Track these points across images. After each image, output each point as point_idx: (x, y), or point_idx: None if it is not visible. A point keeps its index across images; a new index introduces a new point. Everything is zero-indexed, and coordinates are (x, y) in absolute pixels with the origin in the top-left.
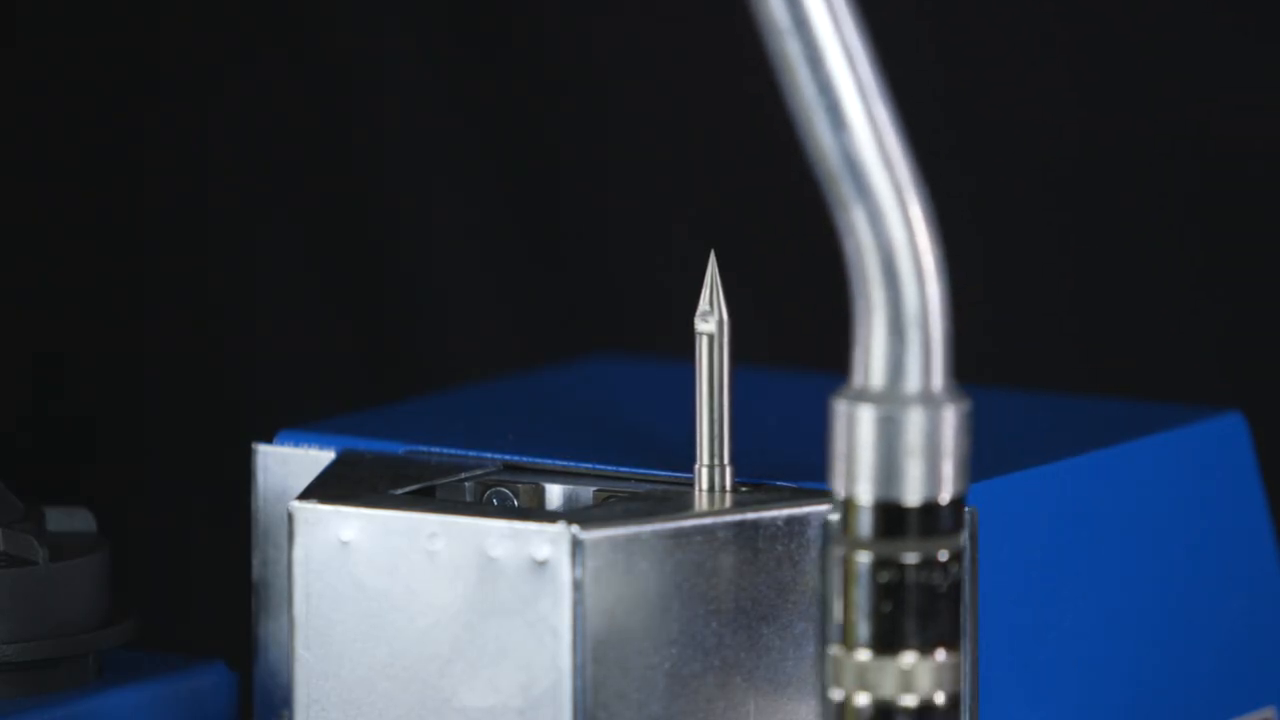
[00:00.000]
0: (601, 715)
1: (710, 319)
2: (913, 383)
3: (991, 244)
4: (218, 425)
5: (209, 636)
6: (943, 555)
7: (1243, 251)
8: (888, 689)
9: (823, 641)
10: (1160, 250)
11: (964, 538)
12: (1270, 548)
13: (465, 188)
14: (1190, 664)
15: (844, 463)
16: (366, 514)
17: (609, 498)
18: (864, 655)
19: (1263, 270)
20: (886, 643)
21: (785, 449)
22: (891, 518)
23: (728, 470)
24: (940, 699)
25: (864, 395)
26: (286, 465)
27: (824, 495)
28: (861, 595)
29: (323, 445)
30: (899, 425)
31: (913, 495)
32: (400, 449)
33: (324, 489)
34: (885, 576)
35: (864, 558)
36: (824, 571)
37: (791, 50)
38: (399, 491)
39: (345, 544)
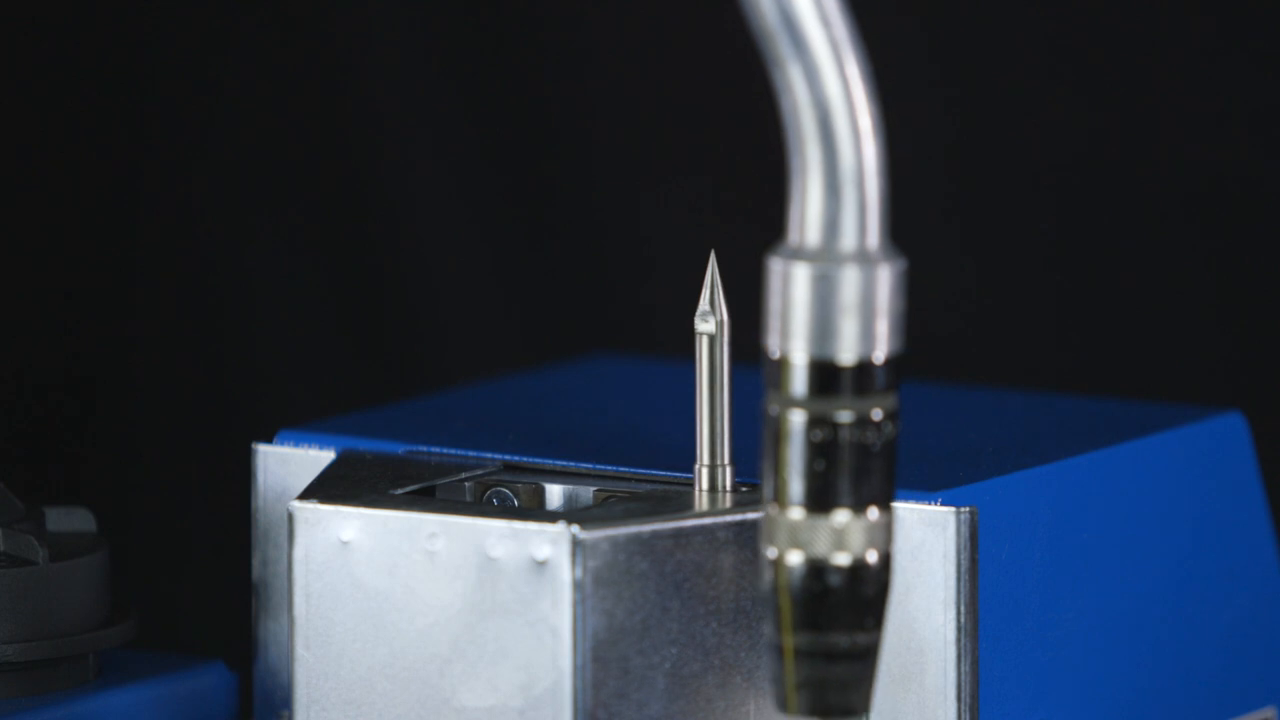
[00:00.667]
0: (601, 715)
1: (710, 319)
2: (848, 241)
3: (991, 243)
4: (218, 425)
5: (209, 636)
6: (876, 414)
7: (1243, 251)
8: (820, 547)
9: None
10: (1160, 250)
11: (898, 398)
12: (1270, 548)
13: (466, 188)
14: (1190, 664)
15: (779, 320)
16: (366, 514)
17: (609, 498)
18: (797, 514)
19: (1263, 270)
20: (819, 501)
21: None
22: (826, 376)
23: (728, 470)
24: (873, 558)
25: (799, 253)
26: (286, 465)
27: None
28: (795, 454)
29: (323, 445)
30: (834, 283)
31: (847, 354)
32: (400, 449)
33: (324, 489)
34: (819, 435)
35: (797, 416)
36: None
37: None
38: (399, 491)
39: (345, 544)
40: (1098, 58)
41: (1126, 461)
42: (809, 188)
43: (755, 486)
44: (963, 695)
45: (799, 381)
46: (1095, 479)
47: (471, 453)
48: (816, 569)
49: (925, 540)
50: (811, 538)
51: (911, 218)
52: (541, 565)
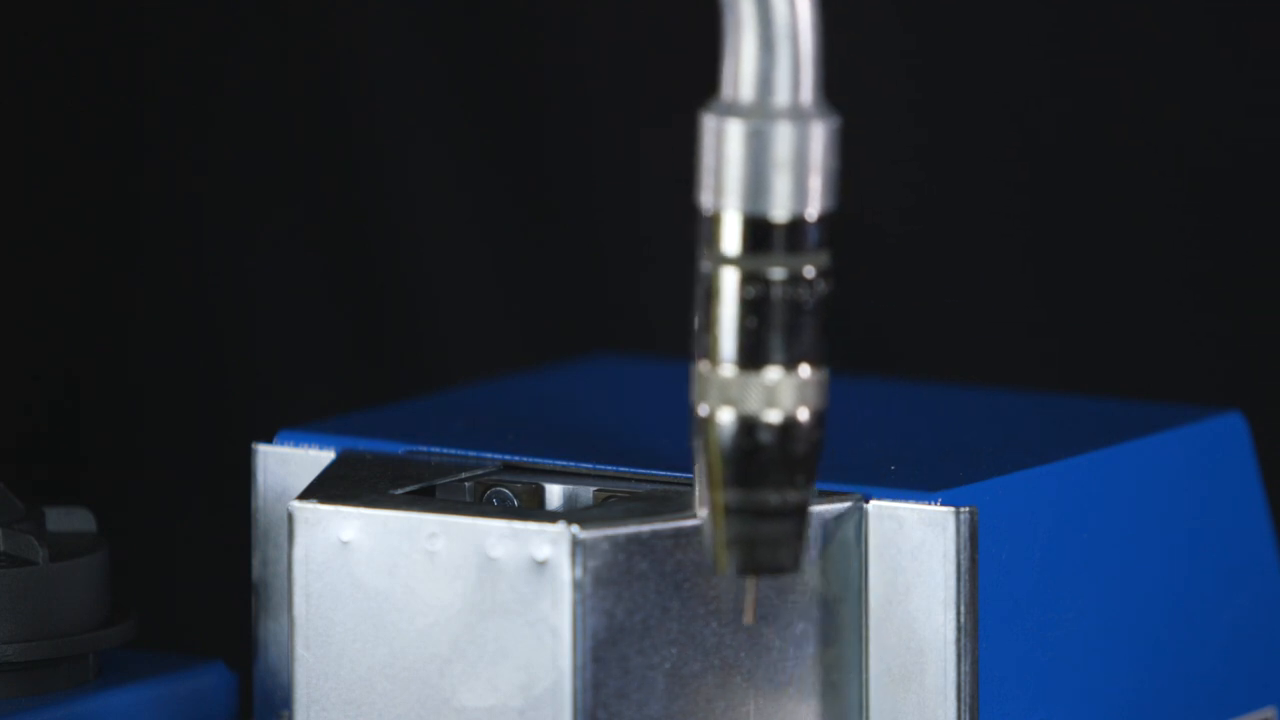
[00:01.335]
0: (601, 715)
1: None
2: (781, 97)
3: (991, 243)
4: (218, 425)
5: (209, 636)
6: (809, 271)
7: (1243, 251)
8: (752, 404)
9: (823, 642)
10: (1160, 250)
11: (829, 256)
12: (1270, 548)
13: (466, 188)
14: (1190, 664)
15: (711, 177)
16: (366, 514)
17: (609, 498)
18: (728, 371)
19: (1263, 270)
20: (751, 358)
21: None
22: (758, 233)
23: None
24: (804, 415)
25: (732, 109)
26: (286, 465)
27: (824, 495)
28: (727, 311)
29: (323, 445)
30: (767, 139)
31: (780, 210)
32: (400, 449)
33: (324, 489)
34: (751, 292)
35: (730, 273)
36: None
37: None
38: (399, 491)
39: (345, 544)
40: (1098, 56)
41: (1126, 461)
42: (742, 43)
43: None
44: (963, 695)
45: (731, 238)
46: (1095, 479)
47: (471, 453)
48: (747, 426)
49: (925, 540)
50: (743, 395)
51: (912, 217)
52: (541, 565)
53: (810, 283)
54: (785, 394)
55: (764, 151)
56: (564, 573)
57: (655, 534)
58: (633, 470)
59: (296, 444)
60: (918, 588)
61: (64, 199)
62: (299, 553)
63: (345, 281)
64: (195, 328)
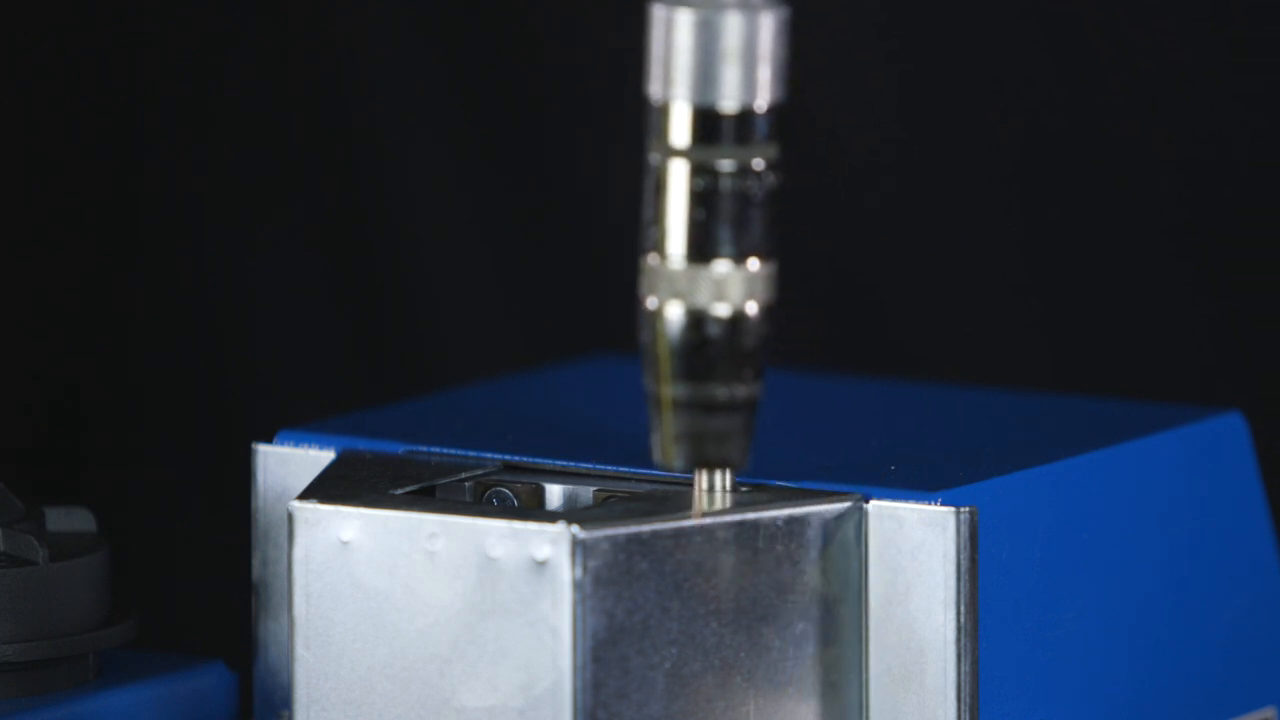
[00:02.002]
0: (601, 715)
1: None
2: None
3: (991, 243)
4: (217, 425)
5: (209, 636)
6: (758, 164)
7: (1243, 251)
8: (700, 298)
9: (823, 642)
10: (1160, 250)
11: (779, 148)
12: (1270, 548)
13: (466, 188)
14: (1190, 664)
15: (660, 67)
16: (366, 514)
17: (609, 498)
18: (677, 264)
19: (1263, 270)
20: (699, 251)
21: (785, 449)
22: (707, 124)
23: (728, 470)
24: (752, 309)
25: None
26: (286, 465)
27: (824, 495)
28: (675, 203)
29: (323, 445)
30: (716, 29)
31: (729, 101)
32: (400, 449)
33: (324, 489)
34: (700, 184)
35: (679, 165)
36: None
37: None
38: (399, 491)
39: (345, 544)
40: (1097, 55)
41: (1126, 461)
42: None
43: (755, 486)
44: (963, 695)
45: (680, 130)
46: (1095, 479)
47: (471, 453)
48: (696, 319)
49: (925, 540)
50: (692, 288)
51: (911, 217)
52: (541, 565)
53: (759, 175)
54: (734, 287)
55: (713, 42)
56: (564, 573)
57: (655, 534)
58: (633, 470)
59: (296, 444)
60: (918, 588)
61: (64, 199)
62: (299, 553)
63: (345, 281)
64: (195, 328)
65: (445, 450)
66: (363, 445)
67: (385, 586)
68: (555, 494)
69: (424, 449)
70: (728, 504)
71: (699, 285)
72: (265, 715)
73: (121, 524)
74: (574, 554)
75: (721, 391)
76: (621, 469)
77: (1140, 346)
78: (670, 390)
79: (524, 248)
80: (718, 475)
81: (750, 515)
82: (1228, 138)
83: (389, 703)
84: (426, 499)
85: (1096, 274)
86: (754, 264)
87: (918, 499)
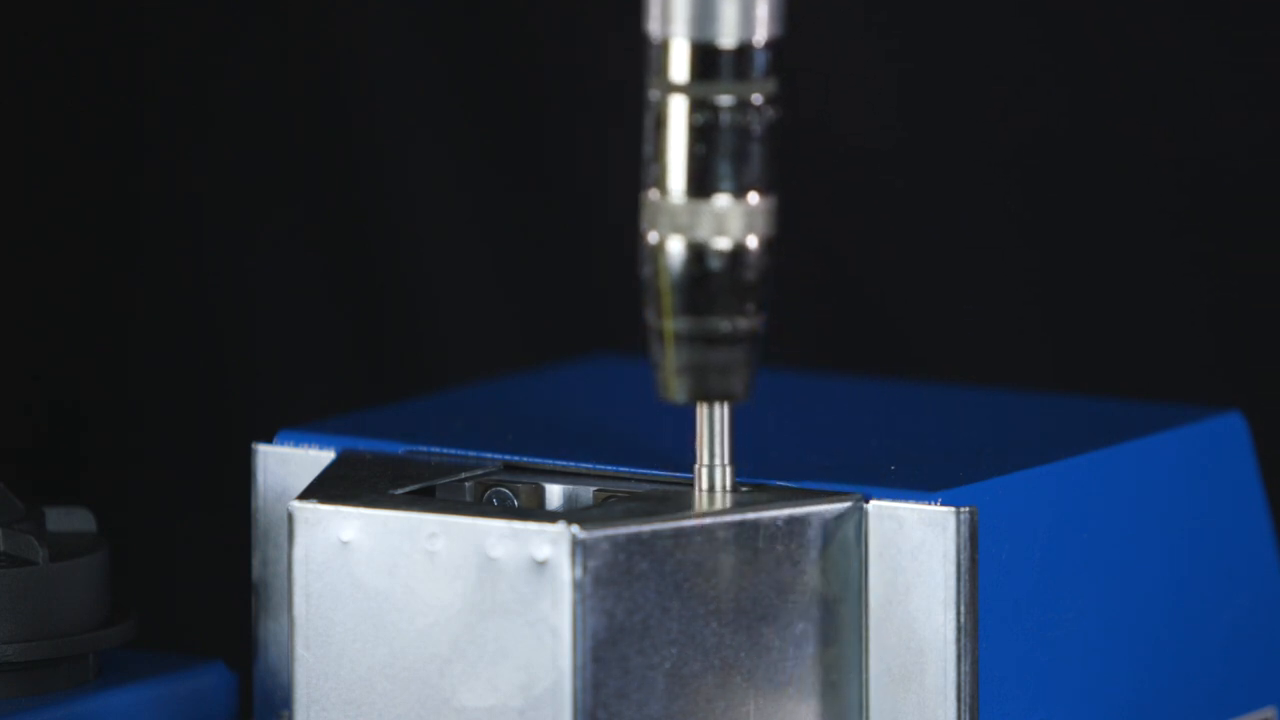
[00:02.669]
0: (601, 715)
1: None
2: None
3: (991, 243)
4: (217, 425)
5: (209, 636)
6: (756, 98)
7: (1243, 250)
8: (701, 231)
9: (823, 642)
10: (1160, 249)
11: (777, 82)
12: (1270, 548)
13: (466, 188)
14: (1190, 664)
15: (659, 5)
16: (366, 514)
17: (609, 498)
18: (678, 199)
19: (1263, 269)
20: (700, 186)
21: (785, 449)
22: (706, 60)
23: (728, 470)
24: (753, 242)
25: None
26: (286, 465)
27: (824, 495)
28: (675, 138)
29: (323, 445)
30: None
31: (727, 37)
32: (400, 449)
33: (324, 489)
34: (699, 119)
35: (678, 100)
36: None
37: None
38: (399, 491)
39: (345, 544)
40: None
41: (1126, 461)
42: None
43: (755, 486)
44: (963, 695)
45: (679, 66)
46: (1095, 479)
47: (471, 453)
48: (697, 253)
49: (925, 540)
50: (692, 222)
51: (911, 216)
52: (541, 565)
53: (758, 109)
54: (734, 221)
55: None
56: (564, 573)
57: (655, 534)
58: (633, 470)
59: (296, 444)
60: (918, 588)
61: (64, 199)
62: (299, 553)
63: (345, 281)
64: (195, 328)
65: (445, 450)
66: (363, 445)
67: (385, 586)
68: (555, 494)
69: (424, 449)
70: (728, 504)
71: (700, 219)
72: (265, 715)
73: (121, 524)
74: (574, 554)
75: (723, 324)
76: (621, 469)
77: (1140, 346)
78: (672, 324)
79: (524, 248)
80: (718, 474)
81: (750, 515)
82: (1229, 138)
83: (389, 703)
84: (426, 499)
85: (1097, 274)
86: (754, 198)
87: (918, 499)
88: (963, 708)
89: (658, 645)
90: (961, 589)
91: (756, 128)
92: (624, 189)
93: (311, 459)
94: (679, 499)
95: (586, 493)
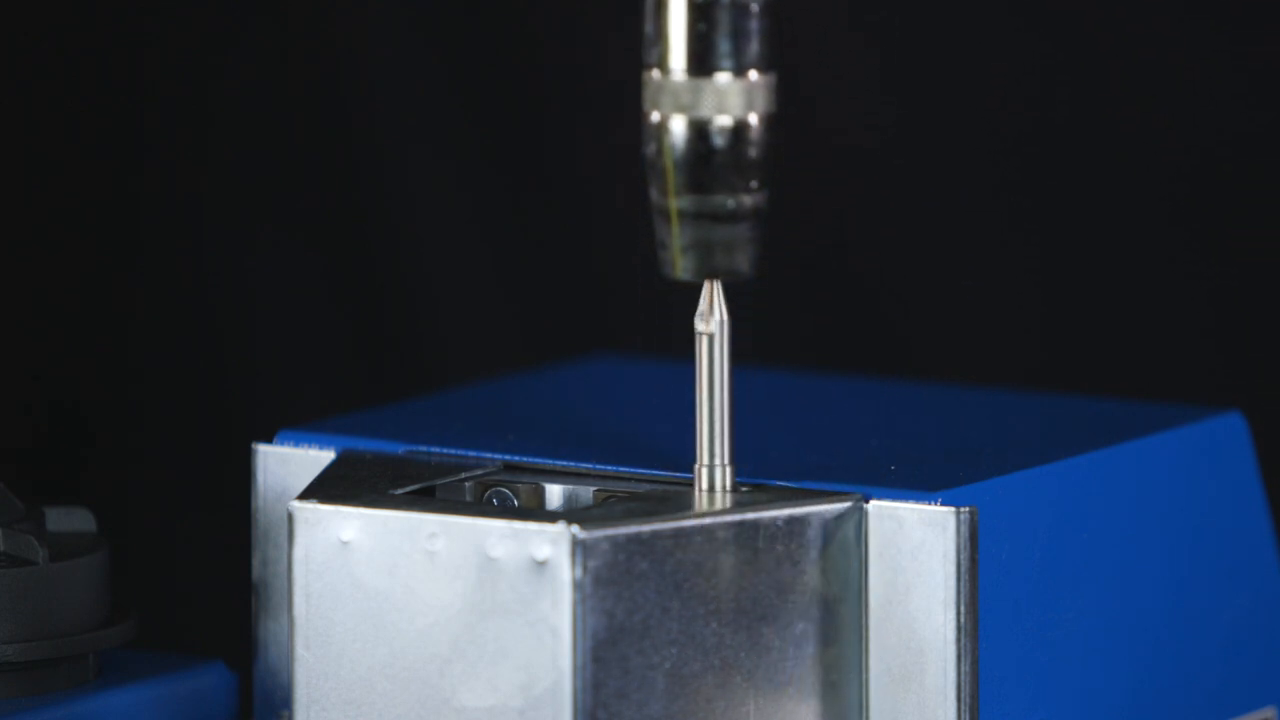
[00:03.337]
0: (601, 715)
1: (710, 319)
2: None
3: (991, 243)
4: (218, 425)
5: (209, 636)
6: None
7: (1243, 250)
8: (704, 109)
9: (823, 642)
10: (1160, 249)
11: None
12: (1270, 548)
13: (466, 188)
14: (1190, 664)
15: None
16: (366, 514)
17: (609, 498)
18: (679, 77)
19: (1263, 269)
20: (701, 64)
21: (785, 449)
22: None
23: (728, 470)
24: (754, 119)
25: None
26: (286, 465)
27: (824, 495)
28: (676, 17)
29: (323, 445)
30: None
31: None
32: (400, 449)
33: (324, 489)
34: None
35: None
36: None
37: None
38: (399, 491)
39: (345, 544)
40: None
41: (1126, 461)
42: None
43: (755, 486)
44: (963, 695)
45: None
46: (1095, 479)
47: (471, 453)
48: (699, 130)
49: (925, 540)
50: (694, 100)
51: (911, 217)
52: (541, 565)
53: None
54: (735, 98)
55: None
56: (564, 573)
57: (655, 534)
58: (633, 470)
59: (296, 444)
60: (918, 588)
61: (64, 199)
62: (299, 553)
63: (345, 281)
64: (195, 328)
65: (445, 450)
66: (363, 445)
67: (385, 586)
68: (555, 494)
69: (424, 449)
70: (728, 504)
71: (702, 97)
72: (265, 715)
73: (121, 524)
74: (574, 554)
75: (727, 201)
76: (621, 469)
77: (1140, 346)
78: (676, 202)
79: (524, 248)
80: (718, 474)
81: (750, 515)
82: (1229, 138)
83: (389, 703)
84: (426, 499)
85: (1097, 274)
86: (754, 75)
87: (918, 499)
88: (963, 708)
89: (658, 645)
90: (961, 589)
91: (755, 5)
92: (624, 189)
93: (311, 459)
94: (679, 499)
95: (586, 493)
